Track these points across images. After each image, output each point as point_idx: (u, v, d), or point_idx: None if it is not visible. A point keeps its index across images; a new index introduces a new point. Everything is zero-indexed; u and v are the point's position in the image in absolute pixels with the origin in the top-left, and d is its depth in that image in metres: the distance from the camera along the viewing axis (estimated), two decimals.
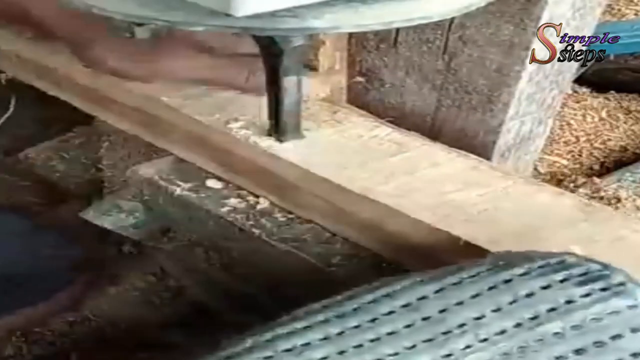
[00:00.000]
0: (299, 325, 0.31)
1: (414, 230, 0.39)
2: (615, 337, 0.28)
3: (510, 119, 0.48)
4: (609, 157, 0.72)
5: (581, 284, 0.30)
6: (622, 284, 0.30)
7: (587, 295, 0.30)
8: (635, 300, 0.29)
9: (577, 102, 0.81)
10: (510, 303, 0.30)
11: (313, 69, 0.52)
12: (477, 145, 0.49)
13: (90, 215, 0.54)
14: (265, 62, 0.42)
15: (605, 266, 0.31)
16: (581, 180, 0.63)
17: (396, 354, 0.29)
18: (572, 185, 0.61)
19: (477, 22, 0.45)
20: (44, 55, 0.59)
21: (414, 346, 0.29)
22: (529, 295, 0.30)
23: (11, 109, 0.71)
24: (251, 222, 0.46)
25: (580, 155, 0.72)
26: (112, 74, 0.53)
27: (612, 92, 0.84)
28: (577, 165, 0.71)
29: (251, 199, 0.48)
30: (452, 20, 0.46)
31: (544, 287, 0.30)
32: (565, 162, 0.71)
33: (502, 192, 0.41)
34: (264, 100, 0.47)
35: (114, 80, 0.54)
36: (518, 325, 0.29)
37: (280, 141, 0.45)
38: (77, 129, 0.70)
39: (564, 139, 0.74)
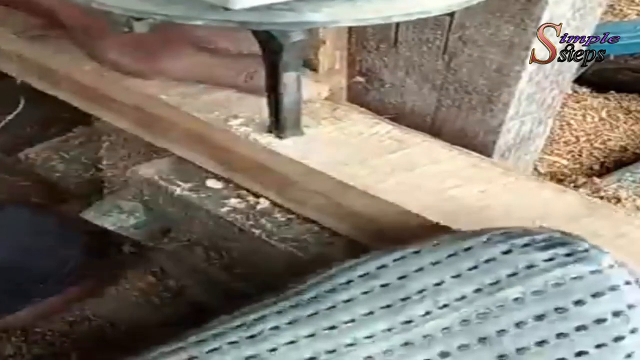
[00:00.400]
0: (259, 304, 0.31)
1: (415, 227, 0.39)
2: (577, 302, 0.28)
3: (510, 119, 0.48)
4: (609, 157, 0.72)
5: (544, 249, 0.30)
6: (586, 250, 0.30)
7: (549, 260, 0.29)
8: (599, 266, 0.29)
9: (577, 102, 0.81)
10: (470, 269, 0.30)
11: (313, 69, 0.53)
12: (477, 145, 0.49)
13: (91, 215, 0.54)
14: (264, 58, 0.42)
15: (569, 234, 0.31)
16: (581, 180, 0.63)
17: (352, 320, 0.29)
18: (572, 185, 0.62)
19: (477, 22, 0.45)
20: (45, 55, 0.59)
21: (370, 312, 0.29)
22: (489, 260, 0.30)
23: (20, 107, 0.71)
24: (251, 222, 0.46)
25: (580, 155, 0.72)
26: (113, 68, 0.53)
27: (612, 92, 0.84)
28: (577, 165, 0.71)
29: (251, 199, 0.48)
30: (452, 20, 0.46)
31: (505, 252, 0.30)
32: (565, 162, 0.71)
33: (503, 188, 0.41)
34: (263, 98, 0.47)
35: (113, 79, 0.54)
36: (478, 290, 0.29)
37: (280, 138, 0.45)
38: (77, 129, 0.70)
39: (564, 139, 0.74)
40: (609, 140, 0.75)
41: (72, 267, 0.58)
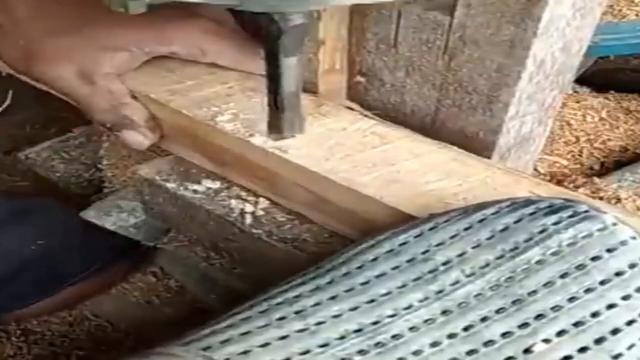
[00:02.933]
0: (292, 282, 0.32)
1: (394, 220, 0.39)
2: (595, 258, 0.29)
3: (510, 119, 0.48)
4: (609, 157, 0.72)
5: (550, 213, 0.31)
6: (586, 211, 0.31)
7: (557, 223, 0.31)
8: (604, 224, 0.30)
9: (577, 102, 0.81)
10: (489, 238, 0.31)
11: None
12: (477, 145, 0.49)
13: (91, 215, 0.54)
14: (264, 43, 0.41)
15: (568, 199, 0.32)
16: (581, 180, 0.63)
17: (388, 293, 0.30)
18: (572, 185, 0.61)
19: (477, 22, 0.45)
20: None
21: (404, 285, 0.30)
22: (504, 229, 0.31)
23: (8, 101, 0.71)
24: (251, 222, 0.47)
25: (580, 155, 0.72)
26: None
27: (612, 92, 0.84)
28: (577, 165, 0.71)
29: (251, 199, 0.49)
30: (452, 20, 0.46)
31: (517, 221, 0.31)
32: (565, 162, 0.71)
33: (481, 182, 0.42)
34: (255, 95, 0.47)
35: None
36: (500, 257, 0.30)
37: (281, 134, 0.45)
38: (77, 129, 0.70)
39: (564, 139, 0.74)
40: (609, 140, 0.75)
41: (96, 268, 0.58)
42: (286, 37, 0.39)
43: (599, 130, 0.76)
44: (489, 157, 0.48)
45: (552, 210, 0.31)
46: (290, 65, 0.41)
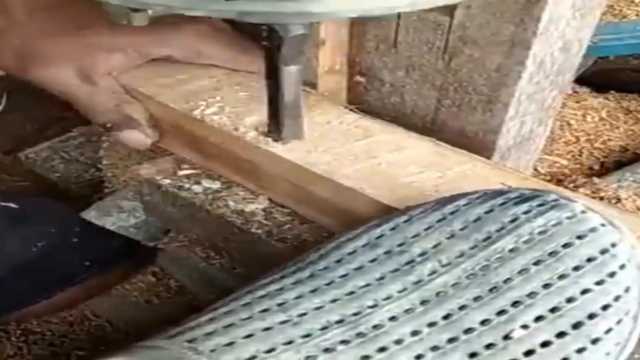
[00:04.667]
0: (274, 276, 0.33)
1: (374, 211, 0.40)
2: (566, 245, 0.30)
3: (510, 119, 0.48)
4: (609, 157, 0.72)
5: (519, 203, 0.32)
6: (555, 200, 0.32)
7: (527, 212, 0.31)
8: (573, 211, 0.31)
9: (577, 102, 0.81)
10: (462, 229, 0.32)
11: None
12: (477, 145, 0.49)
13: (91, 215, 0.54)
14: (265, 52, 0.41)
15: (537, 189, 0.33)
16: (581, 180, 0.63)
17: (368, 285, 0.31)
18: (572, 185, 0.61)
19: (477, 22, 0.45)
20: None
21: (382, 277, 0.31)
22: (476, 220, 0.32)
23: (3, 103, 0.71)
24: (251, 222, 0.47)
25: (580, 155, 0.72)
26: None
27: (612, 92, 0.84)
28: (577, 165, 0.71)
29: (251, 199, 0.48)
30: (452, 20, 0.46)
31: (488, 212, 0.32)
32: (565, 162, 0.71)
33: (460, 174, 0.42)
34: (242, 89, 0.48)
35: None
36: (474, 247, 0.31)
37: (281, 139, 0.45)
38: (77, 129, 0.70)
39: (564, 139, 0.74)
40: (609, 140, 0.75)
41: (97, 269, 0.58)
42: (286, 47, 0.40)
43: (599, 130, 0.76)
44: (489, 157, 0.48)
45: (522, 199, 0.32)
46: (290, 74, 0.41)
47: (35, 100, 0.66)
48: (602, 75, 0.85)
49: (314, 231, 0.46)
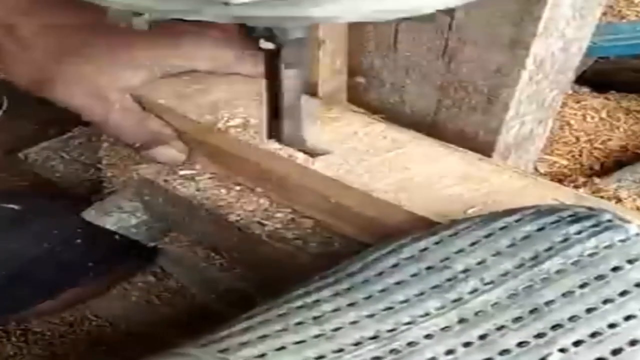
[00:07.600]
0: (310, 287, 0.32)
1: (410, 225, 0.39)
2: (615, 269, 0.29)
3: (510, 119, 0.48)
4: (609, 157, 0.72)
5: (572, 222, 0.31)
6: (610, 220, 0.31)
7: (579, 232, 0.31)
8: (627, 234, 0.30)
9: (577, 102, 0.81)
10: (509, 246, 0.31)
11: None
12: (477, 145, 0.49)
13: (92, 215, 0.54)
14: (264, 56, 0.42)
15: (592, 208, 0.32)
16: (581, 180, 0.63)
17: (406, 300, 0.30)
18: (572, 185, 0.61)
19: (477, 22, 0.45)
20: None
21: (422, 293, 0.30)
22: (525, 237, 0.31)
23: (4, 107, 0.71)
24: (251, 222, 0.47)
25: (580, 155, 0.72)
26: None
27: (612, 92, 0.84)
28: (577, 166, 0.71)
29: (252, 198, 0.48)
30: (452, 20, 0.46)
31: (539, 230, 0.31)
32: (565, 162, 0.71)
33: (498, 186, 0.41)
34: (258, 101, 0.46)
35: None
36: (520, 266, 0.30)
37: (281, 141, 0.45)
38: (77, 129, 0.70)
39: (564, 139, 0.74)
40: (609, 140, 0.75)
41: (97, 269, 0.58)
42: (286, 51, 0.40)
43: (599, 130, 0.76)
44: (489, 157, 0.48)
45: (575, 219, 0.31)
46: (290, 77, 0.41)
47: (35, 100, 0.66)
48: (602, 75, 0.85)
49: (315, 231, 0.46)
